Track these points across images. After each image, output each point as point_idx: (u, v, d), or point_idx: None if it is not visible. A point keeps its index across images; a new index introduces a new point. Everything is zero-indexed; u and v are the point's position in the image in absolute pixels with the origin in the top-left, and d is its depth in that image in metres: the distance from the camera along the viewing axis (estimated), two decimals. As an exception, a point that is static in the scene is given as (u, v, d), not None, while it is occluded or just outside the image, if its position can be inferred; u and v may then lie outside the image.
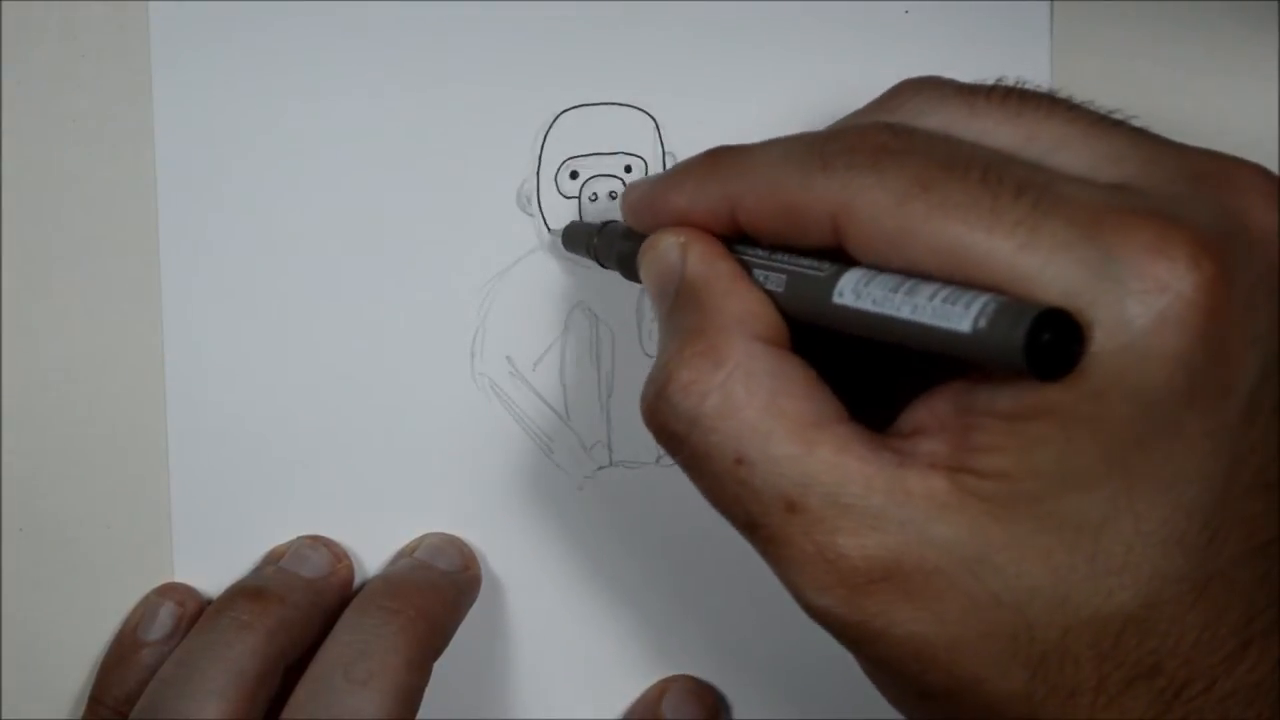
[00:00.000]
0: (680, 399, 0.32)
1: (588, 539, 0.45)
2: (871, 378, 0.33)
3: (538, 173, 0.43)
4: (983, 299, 0.28)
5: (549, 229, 0.43)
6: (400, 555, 0.44)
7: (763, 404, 0.31)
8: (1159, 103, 0.44)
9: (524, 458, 0.44)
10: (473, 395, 0.44)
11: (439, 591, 0.42)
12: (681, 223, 0.34)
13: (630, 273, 0.39)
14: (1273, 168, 0.38)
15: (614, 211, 0.44)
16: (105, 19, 0.42)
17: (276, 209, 0.43)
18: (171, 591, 0.43)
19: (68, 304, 0.43)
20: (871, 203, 0.30)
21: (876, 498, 0.30)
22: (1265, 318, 0.29)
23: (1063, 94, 0.32)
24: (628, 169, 0.44)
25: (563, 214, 0.43)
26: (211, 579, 0.44)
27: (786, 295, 0.32)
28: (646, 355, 0.44)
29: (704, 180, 0.34)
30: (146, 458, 0.43)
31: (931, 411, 0.31)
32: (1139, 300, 0.28)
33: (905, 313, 0.29)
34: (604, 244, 0.40)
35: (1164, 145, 0.31)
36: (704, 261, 0.34)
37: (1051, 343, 0.27)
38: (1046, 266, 0.28)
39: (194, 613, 0.43)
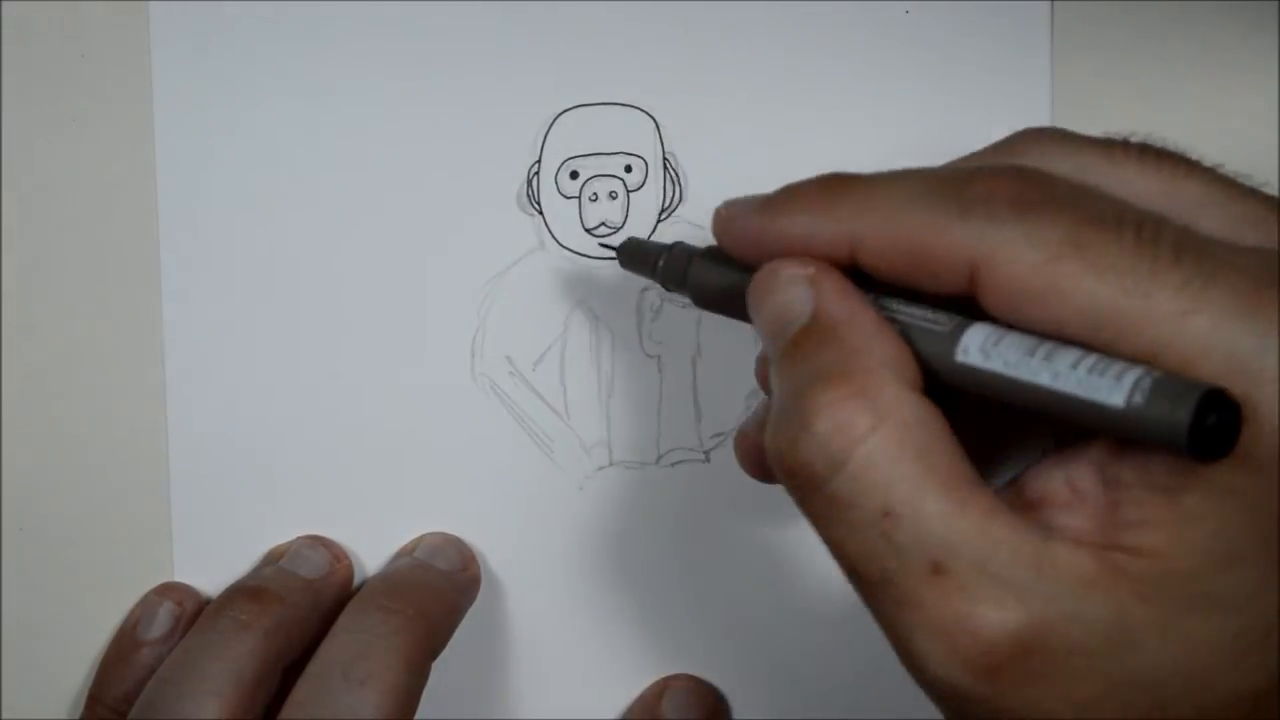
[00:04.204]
0: (829, 440, 0.30)
1: (588, 539, 0.45)
2: (980, 429, 0.32)
3: (538, 173, 0.43)
4: (1135, 372, 0.27)
5: (554, 235, 0.43)
6: (400, 555, 0.44)
7: (915, 456, 0.29)
8: (1159, 103, 0.44)
9: (524, 458, 0.44)
10: (473, 395, 0.44)
11: (438, 591, 0.42)
12: (795, 255, 0.32)
13: (708, 300, 0.36)
14: (1273, 167, 0.38)
15: (615, 212, 0.44)
16: (105, 19, 0.42)
17: (276, 209, 0.43)
18: (170, 591, 0.43)
19: (68, 304, 0.43)
20: (1017, 257, 0.29)
21: (1022, 570, 0.29)
22: None
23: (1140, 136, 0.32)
24: (628, 169, 0.44)
25: (563, 214, 0.43)
26: (211, 579, 0.44)
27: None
28: (647, 355, 0.44)
29: (823, 212, 0.32)
30: (146, 458, 0.43)
31: (1069, 480, 0.30)
32: None
33: (1044, 379, 0.28)
34: (671, 266, 0.37)
35: None
36: (842, 298, 0.31)
37: (1216, 424, 0.26)
38: (1213, 334, 0.27)
39: (193, 612, 0.43)
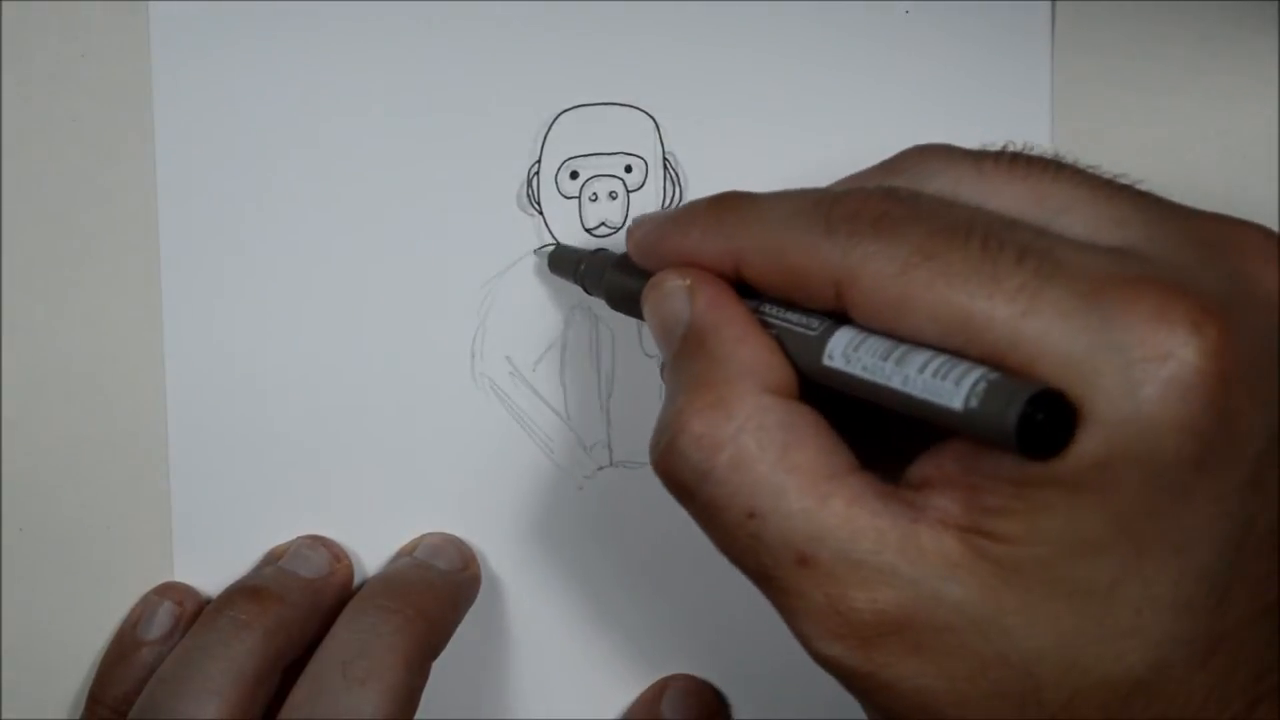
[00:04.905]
0: (692, 451, 0.32)
1: (588, 539, 0.45)
2: (882, 420, 0.33)
3: (538, 173, 0.43)
4: (974, 375, 0.28)
5: (554, 235, 0.44)
6: (400, 555, 0.44)
7: (775, 458, 0.31)
8: (1159, 103, 0.44)
9: (524, 458, 0.44)
10: (473, 395, 0.44)
11: (438, 591, 0.42)
12: (686, 265, 0.34)
13: (618, 304, 0.39)
14: (1273, 167, 0.38)
15: (615, 212, 0.44)
16: (105, 19, 0.42)
17: (276, 209, 0.43)
18: (170, 591, 0.43)
19: (68, 304, 0.43)
20: (874, 271, 0.30)
21: (888, 554, 0.30)
22: (1272, 380, 0.29)
23: (1067, 156, 0.32)
24: (628, 169, 0.44)
25: (563, 214, 0.43)
26: (211, 579, 0.44)
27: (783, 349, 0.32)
28: (647, 355, 0.44)
29: (710, 229, 0.34)
30: (146, 458, 0.43)
31: (939, 467, 0.31)
32: (1143, 368, 0.28)
33: (895, 383, 0.29)
34: (590, 272, 0.40)
35: (1169, 208, 0.31)
36: (712, 307, 0.33)
37: (1044, 423, 0.27)
38: (1047, 334, 0.28)
39: (193, 612, 0.43)
